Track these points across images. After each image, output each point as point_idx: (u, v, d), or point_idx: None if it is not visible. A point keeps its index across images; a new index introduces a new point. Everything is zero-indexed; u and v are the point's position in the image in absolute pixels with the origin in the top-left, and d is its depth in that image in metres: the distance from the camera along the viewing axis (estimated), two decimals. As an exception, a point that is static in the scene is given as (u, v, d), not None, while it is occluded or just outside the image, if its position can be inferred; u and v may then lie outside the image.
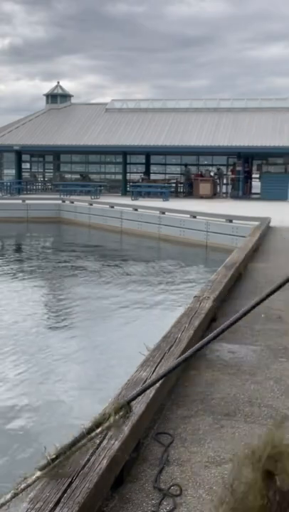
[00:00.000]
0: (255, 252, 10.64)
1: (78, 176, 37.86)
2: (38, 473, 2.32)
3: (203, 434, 3.19)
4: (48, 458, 2.33)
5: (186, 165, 34.03)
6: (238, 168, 30.74)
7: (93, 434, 2.40)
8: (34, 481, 2.29)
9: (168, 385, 3.62)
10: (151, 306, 11.21)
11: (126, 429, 2.70)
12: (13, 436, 5.88)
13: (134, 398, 2.65)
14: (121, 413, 2.51)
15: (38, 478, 2.29)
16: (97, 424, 2.42)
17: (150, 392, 3.19)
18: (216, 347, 4.83)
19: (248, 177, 31.71)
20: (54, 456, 2.32)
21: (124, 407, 2.54)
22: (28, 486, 2.29)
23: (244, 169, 30.68)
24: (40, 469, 2.32)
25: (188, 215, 19.36)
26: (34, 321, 10.13)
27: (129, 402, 2.59)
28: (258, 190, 30.51)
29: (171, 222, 19.79)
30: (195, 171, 35.00)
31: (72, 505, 2.09)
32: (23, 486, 2.29)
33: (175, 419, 3.38)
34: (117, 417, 2.48)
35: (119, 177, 34.47)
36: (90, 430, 2.41)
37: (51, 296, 12.76)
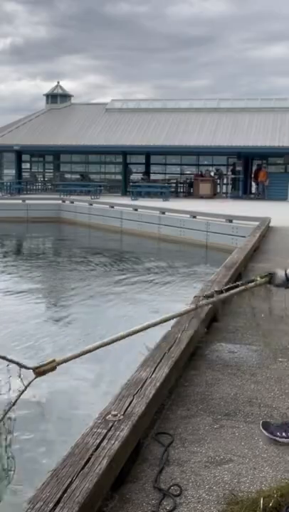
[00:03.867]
0: (255, 252, 10.64)
1: (78, 176, 37.83)
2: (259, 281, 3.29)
3: (203, 434, 3.19)
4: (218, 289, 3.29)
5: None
6: (238, 168, 30.73)
7: (248, 285, 3.23)
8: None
9: (168, 384, 3.62)
10: (150, 305, 11.19)
11: (125, 429, 2.70)
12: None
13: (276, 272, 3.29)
14: (266, 278, 3.26)
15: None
16: (250, 281, 3.25)
17: (150, 392, 3.19)
18: (216, 347, 4.83)
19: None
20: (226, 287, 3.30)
21: (267, 275, 3.28)
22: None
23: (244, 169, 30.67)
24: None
25: (188, 215, 19.33)
26: (32, 317, 10.12)
27: (271, 273, 3.29)
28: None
29: (171, 222, 19.77)
30: (195, 170, 35.00)
31: (72, 505, 2.09)
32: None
33: (175, 419, 3.38)
34: (263, 279, 3.25)
35: (119, 177, 34.46)
36: (245, 282, 3.26)
37: (50, 295, 12.75)
